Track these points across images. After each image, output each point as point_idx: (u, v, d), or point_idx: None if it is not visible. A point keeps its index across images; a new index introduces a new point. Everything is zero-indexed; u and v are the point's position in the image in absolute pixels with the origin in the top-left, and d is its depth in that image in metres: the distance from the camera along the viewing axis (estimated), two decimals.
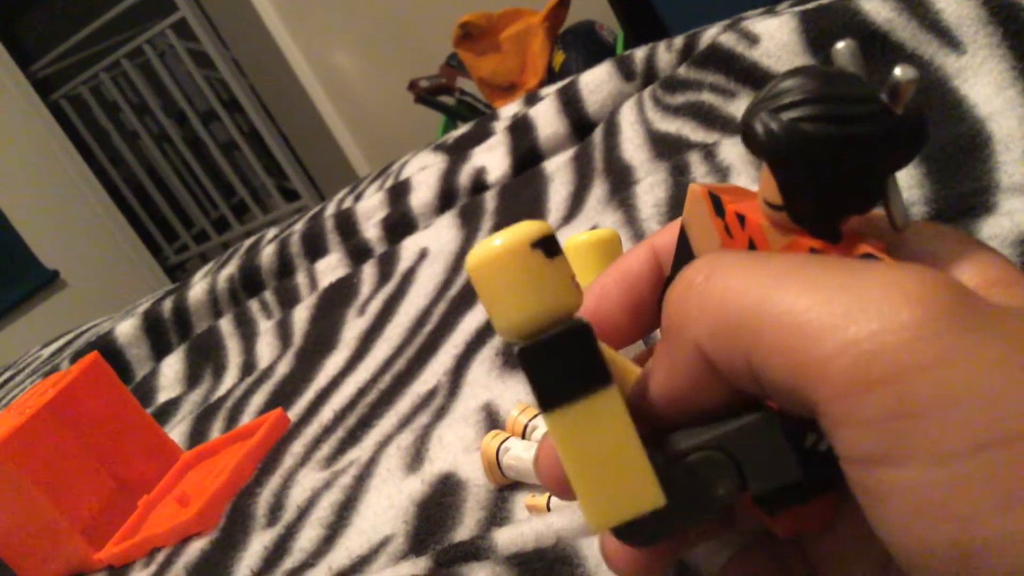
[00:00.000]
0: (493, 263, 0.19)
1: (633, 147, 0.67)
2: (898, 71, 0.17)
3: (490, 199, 0.76)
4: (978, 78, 0.49)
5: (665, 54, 0.73)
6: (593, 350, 0.18)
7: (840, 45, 0.19)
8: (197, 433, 0.66)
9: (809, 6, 0.58)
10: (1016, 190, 0.41)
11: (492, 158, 0.81)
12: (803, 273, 0.16)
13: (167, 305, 0.88)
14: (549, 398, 0.18)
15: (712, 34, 0.69)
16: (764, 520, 0.22)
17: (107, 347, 0.86)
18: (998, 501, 0.14)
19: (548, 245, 0.19)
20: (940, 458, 0.14)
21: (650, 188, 0.58)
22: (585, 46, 2.00)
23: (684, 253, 0.24)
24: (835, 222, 0.19)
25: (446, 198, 0.81)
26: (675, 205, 0.55)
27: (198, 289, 0.89)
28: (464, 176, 0.81)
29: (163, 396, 0.77)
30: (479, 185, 0.80)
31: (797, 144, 0.18)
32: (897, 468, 0.14)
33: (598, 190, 0.66)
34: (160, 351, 0.86)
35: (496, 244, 0.19)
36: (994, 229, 0.38)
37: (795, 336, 0.16)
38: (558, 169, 0.73)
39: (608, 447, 0.18)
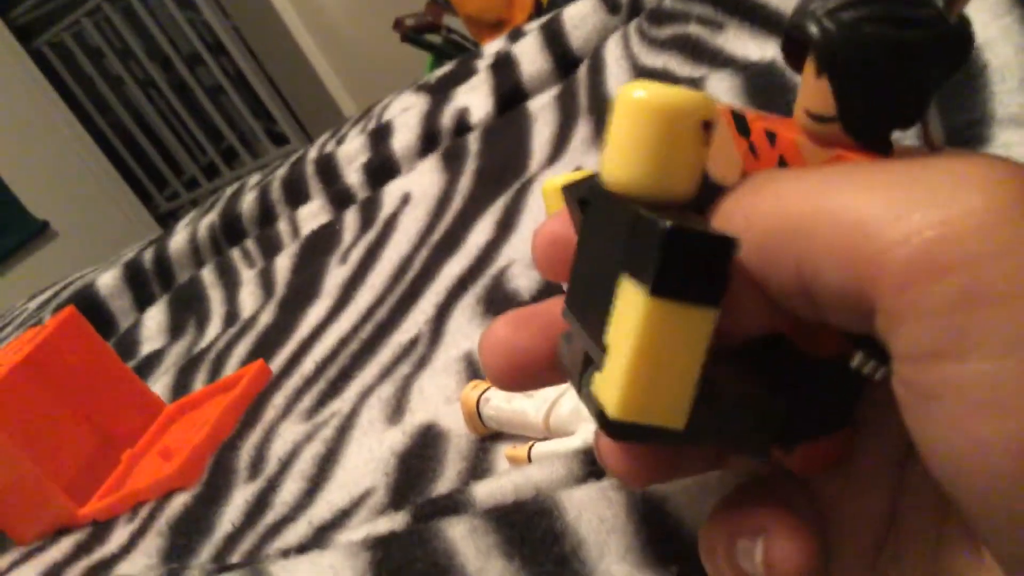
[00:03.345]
0: (664, 115, 0.17)
1: (619, 83, 0.65)
2: None
3: (473, 141, 0.74)
4: (973, 5, 0.47)
5: None
6: (727, 268, 0.17)
7: None
8: (180, 385, 0.65)
9: None
10: (1011, 122, 0.39)
11: (475, 98, 0.79)
12: (862, 173, 0.15)
13: (148, 255, 0.87)
14: (664, 286, 0.17)
15: None
16: (778, 457, 0.21)
17: (89, 299, 0.84)
18: None
19: (710, 130, 0.18)
20: (1009, 349, 0.13)
21: None
22: None
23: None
24: (886, 133, 0.18)
25: (428, 140, 0.79)
26: None
27: (179, 238, 0.87)
28: (447, 117, 0.79)
29: (147, 348, 0.76)
30: (462, 126, 0.78)
31: (856, 45, 0.17)
32: (960, 361, 0.14)
33: (583, 129, 0.64)
34: (143, 302, 0.85)
35: (675, 100, 0.17)
36: None
37: (852, 231, 0.15)
38: (542, 108, 0.71)
39: (678, 357, 0.17)
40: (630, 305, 0.17)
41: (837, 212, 0.15)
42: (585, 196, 0.20)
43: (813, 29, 0.17)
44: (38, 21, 3.10)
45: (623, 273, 0.18)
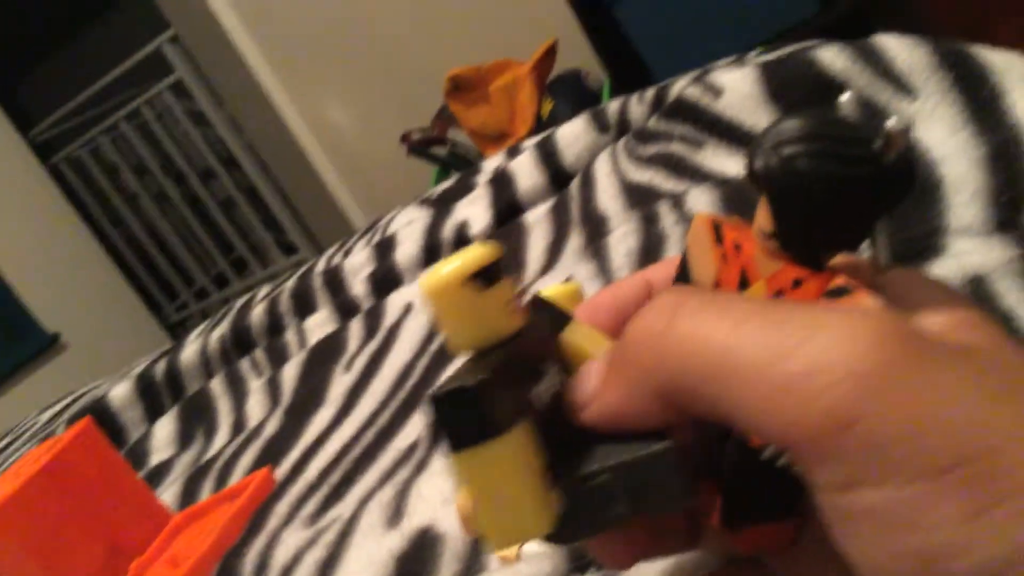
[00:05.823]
0: (433, 294, 0.21)
1: (608, 197, 0.69)
2: (891, 122, 0.19)
3: None
4: (931, 122, 0.51)
5: (637, 106, 0.75)
6: (482, 408, 0.20)
7: (843, 98, 0.20)
8: (188, 494, 0.66)
9: (769, 57, 0.60)
10: (965, 231, 0.42)
11: (475, 211, 0.83)
12: (765, 323, 0.18)
13: (160, 367, 0.89)
14: (452, 443, 0.20)
15: (680, 87, 0.71)
16: (727, 537, 0.23)
17: (101, 411, 0.87)
18: (962, 513, 0.15)
19: (485, 275, 0.21)
20: (911, 479, 0.16)
21: (622, 238, 0.59)
22: (573, 94, 2.03)
23: (684, 277, 0.25)
24: (820, 254, 0.20)
25: (430, 252, 0.82)
26: (645, 254, 0.56)
27: (190, 351, 0.90)
28: (448, 230, 0.82)
29: (156, 458, 0.78)
30: (462, 238, 0.82)
31: (792, 177, 0.19)
32: (872, 490, 0.16)
33: (575, 240, 0.68)
34: (153, 413, 0.87)
35: (438, 275, 0.21)
36: (942, 271, 0.39)
37: (764, 389, 0.17)
38: (537, 221, 0.74)
39: (504, 485, 0.20)
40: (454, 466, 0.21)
41: (748, 369, 0.17)
42: None
43: (759, 161, 0.20)
44: (57, 138, 3.22)
45: None
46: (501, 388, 0.20)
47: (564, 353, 0.24)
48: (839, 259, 0.21)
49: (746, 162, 0.21)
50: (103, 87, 3.03)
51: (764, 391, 0.17)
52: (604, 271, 0.58)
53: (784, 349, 0.17)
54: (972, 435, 0.16)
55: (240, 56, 2.48)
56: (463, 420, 0.20)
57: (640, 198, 0.64)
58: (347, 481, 0.54)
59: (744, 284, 0.22)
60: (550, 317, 0.25)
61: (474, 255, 0.21)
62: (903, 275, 0.21)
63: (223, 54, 2.53)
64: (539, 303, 0.25)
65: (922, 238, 0.42)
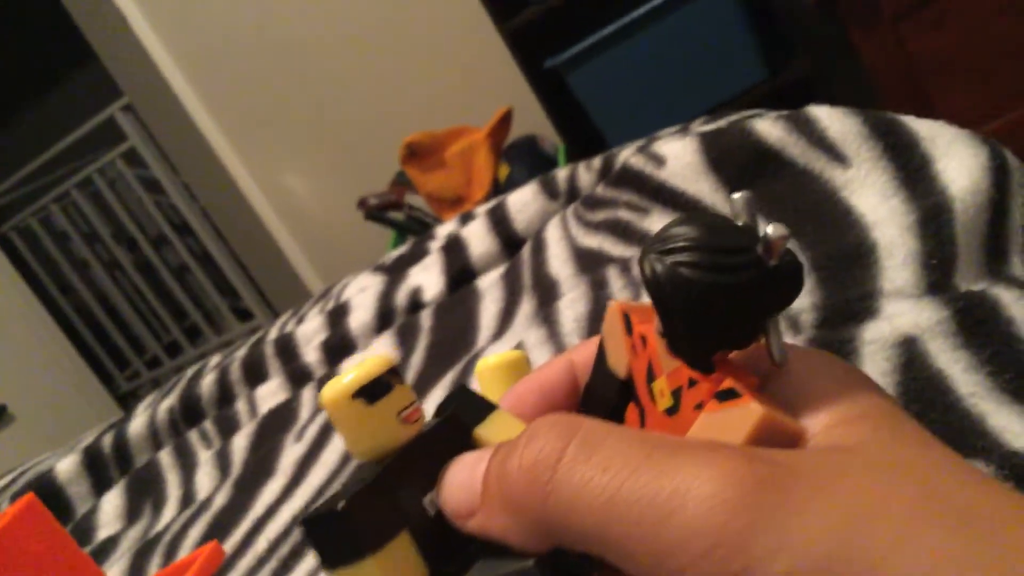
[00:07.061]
0: (326, 407, 0.22)
1: (559, 262, 0.70)
2: (770, 229, 0.19)
3: (426, 318, 0.77)
4: (863, 189, 0.53)
5: (585, 174, 0.77)
6: (352, 529, 0.20)
7: (736, 196, 0.21)
8: (135, 570, 0.65)
9: (709, 128, 0.63)
10: (897, 294, 0.44)
11: (428, 277, 0.83)
12: (640, 484, 0.19)
13: (107, 440, 0.88)
14: (326, 562, 0.21)
15: (625, 155, 0.72)
16: None
17: (47, 486, 0.85)
18: None
19: (372, 390, 0.22)
20: None
21: (571, 303, 0.60)
22: (529, 159, 2.07)
23: (601, 364, 0.25)
24: (708, 355, 0.21)
25: (384, 318, 0.83)
26: (594, 319, 0.57)
27: (138, 422, 0.88)
28: (401, 296, 0.83)
29: (103, 533, 0.76)
30: (416, 304, 0.82)
31: (675, 286, 0.20)
32: None
33: (526, 306, 0.69)
34: (101, 487, 0.85)
35: (330, 389, 0.22)
36: (875, 333, 0.40)
37: (645, 553, 0.18)
38: (490, 286, 0.75)
39: None
40: None
41: (627, 532, 0.19)
42: None
43: (646, 268, 0.20)
44: (6, 208, 3.18)
45: None
46: (377, 504, 0.21)
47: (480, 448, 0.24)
48: (736, 353, 0.22)
49: (638, 266, 0.21)
50: (54, 155, 3.01)
51: (645, 554, 0.18)
52: (554, 336, 0.58)
53: (660, 516, 0.18)
54: (846, 561, 0.17)
55: (193, 123, 2.49)
56: (333, 541, 0.21)
57: (590, 263, 0.66)
58: (296, 554, 0.53)
59: (651, 376, 0.23)
60: (471, 408, 0.25)
61: (364, 370, 0.22)
62: (799, 363, 0.22)
63: (176, 121, 2.53)
64: (462, 394, 0.25)
65: (857, 300, 0.44)
